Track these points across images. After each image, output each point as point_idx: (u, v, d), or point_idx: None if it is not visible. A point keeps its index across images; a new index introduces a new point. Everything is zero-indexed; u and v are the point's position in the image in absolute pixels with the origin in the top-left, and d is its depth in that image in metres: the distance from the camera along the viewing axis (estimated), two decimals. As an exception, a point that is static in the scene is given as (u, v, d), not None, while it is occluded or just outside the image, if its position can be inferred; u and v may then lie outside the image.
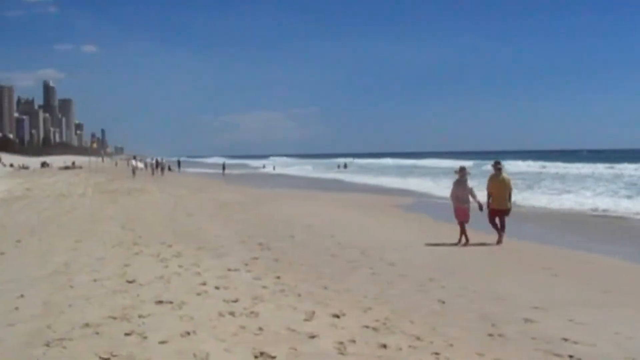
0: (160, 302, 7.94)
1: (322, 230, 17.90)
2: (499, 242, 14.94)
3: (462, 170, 15.70)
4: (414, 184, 45.27)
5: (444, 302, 8.82)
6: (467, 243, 14.90)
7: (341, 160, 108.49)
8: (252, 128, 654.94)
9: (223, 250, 12.97)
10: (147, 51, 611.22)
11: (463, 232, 15.03)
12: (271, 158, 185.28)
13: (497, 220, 15.26)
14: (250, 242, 14.41)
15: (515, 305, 8.67)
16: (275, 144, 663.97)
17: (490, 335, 7.07)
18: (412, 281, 10.40)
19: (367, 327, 7.19)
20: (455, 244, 14.98)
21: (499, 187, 15.43)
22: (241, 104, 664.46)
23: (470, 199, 15.27)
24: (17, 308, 7.44)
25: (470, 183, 15.59)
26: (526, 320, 7.77)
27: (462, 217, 15.13)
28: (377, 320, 7.50)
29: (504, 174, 15.78)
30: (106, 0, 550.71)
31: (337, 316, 7.66)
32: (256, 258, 12.10)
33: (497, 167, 15.66)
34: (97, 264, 10.59)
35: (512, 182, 15.93)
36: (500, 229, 15.16)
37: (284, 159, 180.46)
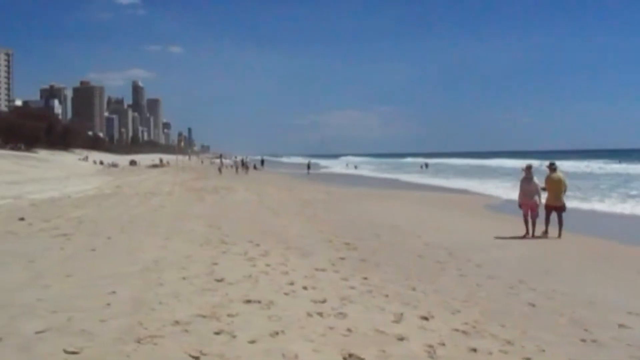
0: (249, 301, 8.02)
1: (408, 230, 17.86)
2: (559, 236, 16.72)
3: (528, 169, 17.87)
4: (493, 184, 44.72)
5: (534, 305, 8.69)
6: (532, 236, 16.90)
7: (422, 160, 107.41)
8: (337, 126, 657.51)
9: (309, 250, 13.05)
10: (233, 51, 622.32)
11: (527, 223, 17.06)
12: (351, 157, 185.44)
13: (551, 215, 17.12)
14: (336, 242, 14.46)
15: (608, 310, 8.44)
16: (359, 143, 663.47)
17: (583, 340, 6.92)
18: (500, 283, 10.30)
19: (456, 330, 7.11)
20: (523, 237, 16.74)
21: (554, 185, 17.40)
22: (326, 102, 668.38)
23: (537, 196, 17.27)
24: (108, 304, 7.64)
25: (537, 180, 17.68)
26: (620, 325, 7.55)
27: (529, 210, 17.14)
28: (466, 323, 7.42)
29: (559, 173, 17.78)
30: (193, 2, 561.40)
31: (426, 318, 7.61)
32: (343, 258, 12.13)
33: (552, 168, 17.71)
34: (186, 261, 10.80)
35: (566, 181, 17.93)
36: (559, 225, 16.92)
37: (368, 158, 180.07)
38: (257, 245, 13.31)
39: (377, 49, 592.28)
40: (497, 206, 27.48)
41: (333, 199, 30.33)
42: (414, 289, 9.48)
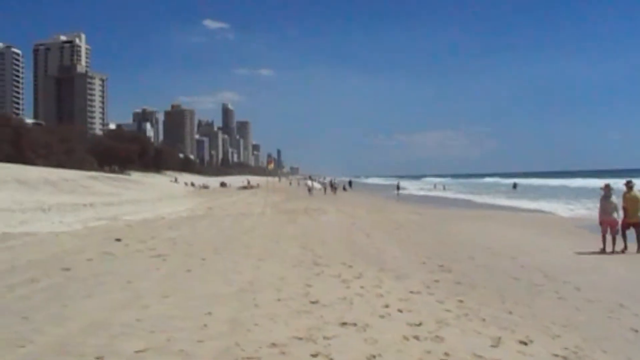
0: (345, 323, 8.01)
1: (502, 251, 17.55)
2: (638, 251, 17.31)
3: (606, 187, 18.75)
4: (582, 205, 43.68)
5: (637, 331, 8.41)
6: (612, 251, 17.47)
7: (510, 181, 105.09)
8: (426, 147, 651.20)
9: (403, 272, 12.96)
10: (321, 73, 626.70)
11: (604, 240, 17.74)
12: (432, 178, 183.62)
13: (628, 231, 17.97)
14: (430, 264, 14.32)
15: None
16: (448, 163, 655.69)
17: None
18: (600, 307, 10.01)
19: (556, 355, 6.97)
20: (600, 252, 17.46)
21: (632, 203, 18.25)
22: (415, 123, 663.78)
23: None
24: (205, 325, 7.76)
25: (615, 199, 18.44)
26: None
27: (608, 227, 17.86)
28: (566, 349, 7.27)
29: (636, 192, 18.51)
30: (282, 25, 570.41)
31: (525, 343, 7.47)
32: (437, 280, 12.00)
33: (629, 186, 18.56)
34: (280, 283, 10.88)
35: None
36: (637, 241, 17.56)
37: (449, 179, 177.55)
38: (350, 267, 13.29)
39: (467, 68, 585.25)
40: (590, 227, 26.68)
41: (424, 220, 30.05)
42: (510, 313, 9.33)
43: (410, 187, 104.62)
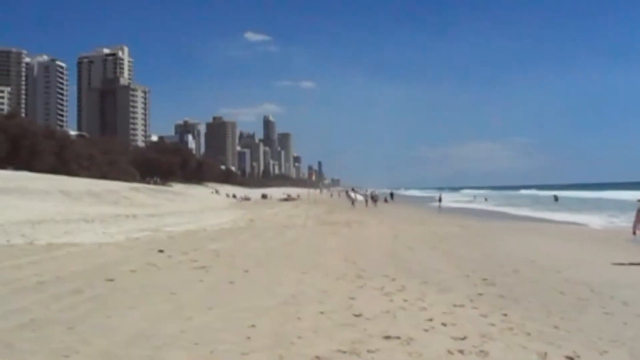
0: (388, 337, 7.98)
1: (546, 265, 17.38)
2: None
3: None
4: (627, 217, 42.95)
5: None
6: None
7: (551, 194, 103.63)
8: (469, 159, 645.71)
9: (447, 285, 12.88)
10: (363, 84, 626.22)
11: None
12: (470, 190, 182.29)
13: None
14: (473, 277, 14.21)
15: None
16: (489, 175, 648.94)
17: None
18: (649, 322, 9.80)
19: (604, 371, 6.85)
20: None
21: None
22: (457, 135, 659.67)
23: None
24: (249, 337, 7.79)
25: None
26: None
27: None
28: (615, 365, 7.15)
29: None
30: (323, 37, 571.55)
31: (572, 358, 7.40)
32: (481, 294, 11.90)
33: None
34: (323, 296, 10.88)
35: None
36: None
37: (488, 191, 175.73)
38: (393, 280, 13.25)
39: (511, 78, 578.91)
40: (635, 239, 26.21)
41: (467, 233, 29.86)
42: (556, 327, 9.22)
43: (449, 199, 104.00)
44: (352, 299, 10.67)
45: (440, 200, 78.79)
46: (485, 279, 13.87)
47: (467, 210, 68.48)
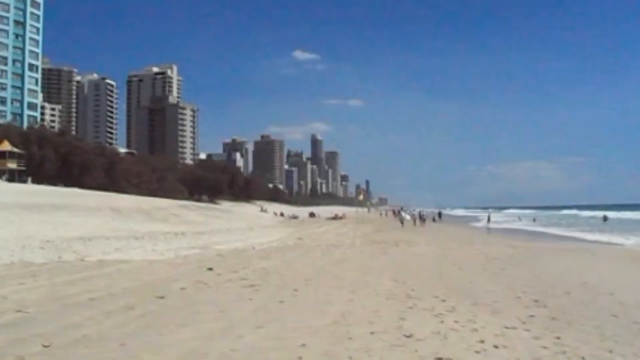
0: (440, 358, 7.96)
1: (598, 287, 17.10)
2: None
3: None
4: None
5: None
6: None
7: (601, 214, 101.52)
8: (518, 178, 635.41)
9: (498, 306, 12.75)
10: (411, 103, 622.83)
11: None
12: (514, 210, 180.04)
13: None
14: (525, 298, 14.04)
15: None
16: (542, 194, 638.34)
17: None
18: None
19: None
20: None
21: None
22: (507, 154, 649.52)
23: None
24: (300, 357, 7.81)
25: None
26: None
27: None
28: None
29: None
30: (371, 55, 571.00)
31: (626, 383, 7.26)
32: (532, 316, 11.76)
33: None
34: (373, 316, 10.86)
35: None
36: None
37: (544, 211, 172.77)
38: (444, 300, 13.16)
39: (559, 97, 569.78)
40: None
41: (517, 253, 29.50)
42: (611, 352, 9.07)
43: (494, 219, 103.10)
44: (403, 319, 10.64)
45: (489, 220, 78.13)
46: (536, 301, 13.70)
47: (515, 230, 67.60)
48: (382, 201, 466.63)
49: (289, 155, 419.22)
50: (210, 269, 18.22)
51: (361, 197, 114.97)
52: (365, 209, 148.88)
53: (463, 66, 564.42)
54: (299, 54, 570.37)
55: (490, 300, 13.57)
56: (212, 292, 13.70)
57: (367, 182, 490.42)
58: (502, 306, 12.84)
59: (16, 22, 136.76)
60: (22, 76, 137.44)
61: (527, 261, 25.60)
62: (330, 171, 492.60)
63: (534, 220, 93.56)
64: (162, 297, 12.48)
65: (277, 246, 30.97)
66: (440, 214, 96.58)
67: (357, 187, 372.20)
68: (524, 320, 11.23)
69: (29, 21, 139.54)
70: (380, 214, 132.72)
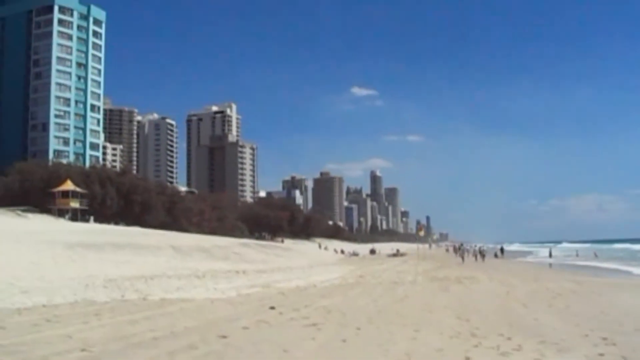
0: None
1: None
2: None
3: None
4: None
5: None
6: None
7: None
8: (582, 211, 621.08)
9: (565, 345, 12.54)
10: (470, 138, 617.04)
11: None
12: (567, 244, 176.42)
13: None
14: (592, 336, 13.77)
15: None
16: (607, 228, 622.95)
17: None
18: None
19: None
20: None
21: None
22: (569, 187, 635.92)
23: None
24: (364, 396, 7.87)
25: None
26: None
27: None
28: None
29: None
30: (429, 91, 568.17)
31: None
32: (602, 354, 11.55)
33: None
34: (438, 355, 10.83)
35: None
36: None
37: (609, 245, 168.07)
38: (509, 339, 13.02)
39: (625, 128, 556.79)
40: None
41: (582, 289, 28.96)
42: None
43: (542, 253, 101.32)
44: (468, 358, 10.57)
45: (550, 254, 76.93)
46: (605, 338, 13.42)
47: (577, 265, 66.13)
48: (443, 237, 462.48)
49: (348, 192, 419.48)
50: (272, 307, 18.33)
51: (422, 233, 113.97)
52: (427, 245, 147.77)
53: (523, 99, 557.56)
54: (357, 90, 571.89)
55: (558, 338, 13.36)
56: (275, 331, 13.79)
57: (428, 218, 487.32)
58: (570, 344, 12.64)
59: (78, 64, 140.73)
60: (84, 117, 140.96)
61: (593, 297, 25.13)
62: (390, 207, 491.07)
63: (596, 255, 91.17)
64: (224, 337, 12.62)
65: (338, 284, 30.99)
66: (502, 250, 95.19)
67: (418, 222, 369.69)
68: (593, 359, 11.05)
69: (90, 63, 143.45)
70: (447, 250, 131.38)
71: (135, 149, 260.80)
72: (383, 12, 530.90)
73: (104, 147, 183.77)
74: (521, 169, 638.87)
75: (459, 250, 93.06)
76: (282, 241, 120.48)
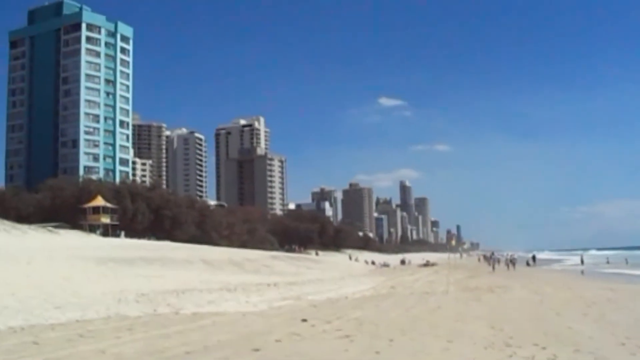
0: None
1: None
2: None
3: None
4: None
5: None
6: None
7: None
8: (612, 218, 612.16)
9: (602, 354, 12.45)
10: (500, 145, 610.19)
11: None
12: (594, 251, 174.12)
13: None
14: (629, 345, 13.68)
15: None
16: (638, 234, 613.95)
17: None
18: None
19: None
20: None
21: None
22: (601, 192, 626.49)
23: None
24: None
25: None
26: None
27: None
28: None
29: None
30: (457, 101, 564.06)
31: None
32: (641, 364, 11.46)
33: None
34: (472, 365, 10.78)
35: None
36: None
37: (616, 251, 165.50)
38: (544, 348, 12.94)
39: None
40: None
41: (618, 297, 28.64)
42: None
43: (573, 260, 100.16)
44: (503, 368, 10.52)
45: (582, 262, 76.15)
46: (642, 347, 13.32)
47: (610, 272, 65.22)
48: (474, 246, 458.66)
49: (377, 202, 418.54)
50: (305, 320, 18.34)
51: (453, 242, 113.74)
52: (457, 255, 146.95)
53: (551, 105, 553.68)
54: (385, 101, 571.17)
55: (593, 347, 13.24)
56: (307, 343, 13.81)
57: (458, 227, 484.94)
58: (606, 353, 12.53)
59: (107, 81, 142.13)
60: (113, 133, 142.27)
61: (628, 305, 24.88)
62: (420, 217, 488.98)
63: (627, 261, 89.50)
64: (257, 350, 12.67)
65: (370, 295, 30.95)
66: (534, 258, 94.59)
67: (448, 232, 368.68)
68: (630, 368, 10.97)
69: (119, 79, 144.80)
70: (479, 259, 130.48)
71: (164, 164, 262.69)
72: (410, 23, 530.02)
73: (134, 163, 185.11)
74: (551, 175, 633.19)
75: (490, 259, 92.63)
76: (317, 254, 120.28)
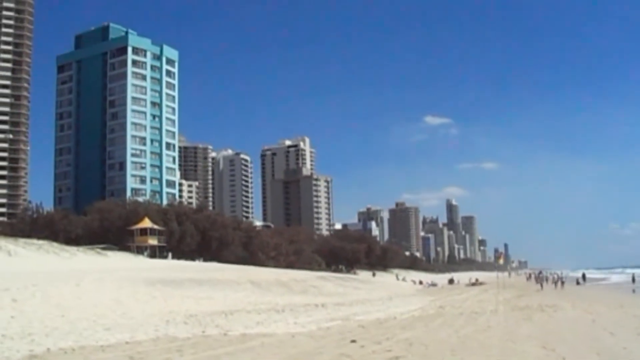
0: None
1: None
2: None
3: None
4: None
5: None
6: None
7: None
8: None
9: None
10: (545, 163, 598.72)
11: None
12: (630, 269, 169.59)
13: None
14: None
15: None
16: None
17: None
18: None
19: None
20: None
21: None
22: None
23: None
24: None
25: None
26: None
27: None
28: None
29: None
30: (503, 118, 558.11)
31: None
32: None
33: None
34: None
35: None
36: None
37: None
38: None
39: None
40: None
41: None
42: None
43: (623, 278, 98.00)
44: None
45: (633, 280, 74.75)
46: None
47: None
48: (522, 264, 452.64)
49: (424, 221, 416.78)
50: (354, 341, 18.32)
51: (501, 261, 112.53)
52: (506, 273, 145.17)
53: (598, 121, 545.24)
54: (431, 119, 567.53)
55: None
56: (355, 364, 13.80)
57: (506, 246, 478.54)
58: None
59: (153, 104, 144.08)
60: (160, 155, 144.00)
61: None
62: (467, 236, 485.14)
63: None
64: (307, 370, 12.71)
65: (418, 315, 30.78)
66: (584, 276, 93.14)
67: (496, 251, 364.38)
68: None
69: (164, 102, 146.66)
70: (528, 278, 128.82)
71: (210, 185, 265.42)
72: (455, 41, 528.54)
73: (180, 184, 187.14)
74: (601, 192, 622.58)
75: (538, 277, 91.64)
76: (374, 274, 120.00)
